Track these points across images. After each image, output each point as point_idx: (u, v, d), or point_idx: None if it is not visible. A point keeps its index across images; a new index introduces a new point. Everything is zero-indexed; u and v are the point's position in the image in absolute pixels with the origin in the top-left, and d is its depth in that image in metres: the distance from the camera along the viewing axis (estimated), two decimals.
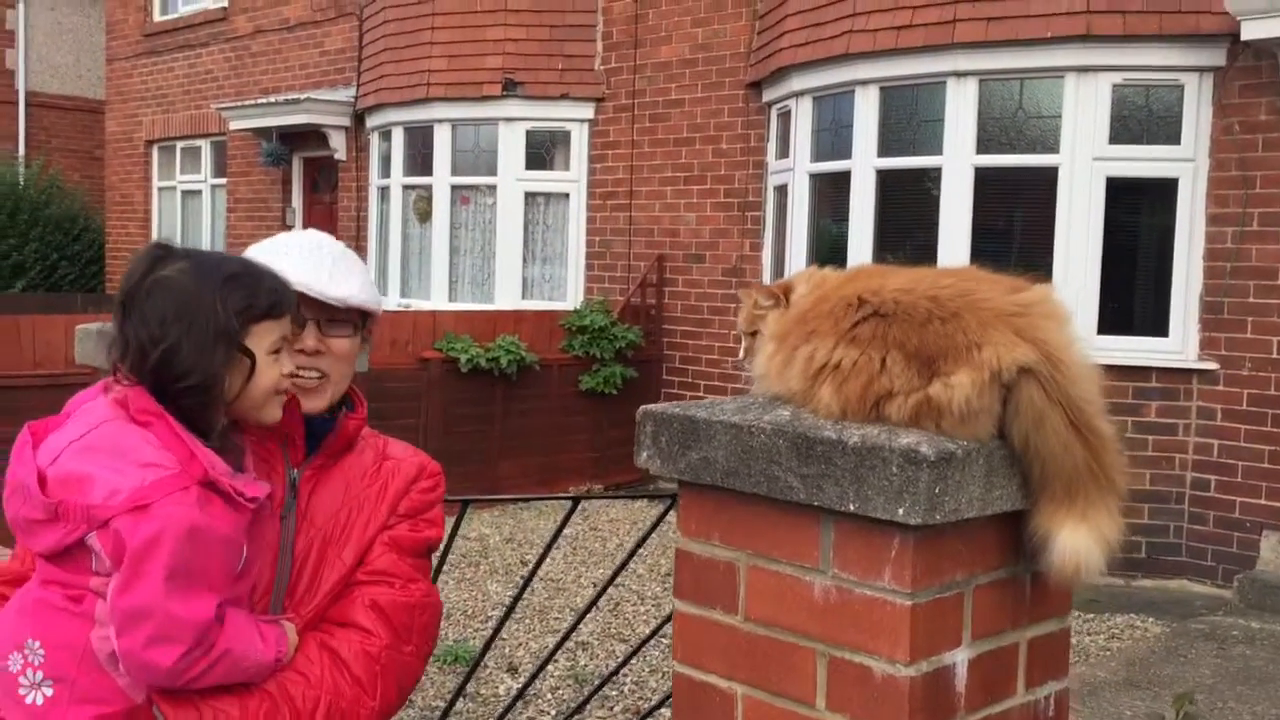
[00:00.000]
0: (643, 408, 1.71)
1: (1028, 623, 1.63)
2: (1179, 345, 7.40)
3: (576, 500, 3.15)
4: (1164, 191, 7.47)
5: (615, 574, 3.29)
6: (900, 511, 1.42)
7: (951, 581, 1.51)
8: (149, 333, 1.59)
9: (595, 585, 6.85)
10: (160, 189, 16.10)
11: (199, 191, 15.48)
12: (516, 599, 3.21)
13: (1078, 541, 1.48)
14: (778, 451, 1.53)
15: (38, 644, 1.60)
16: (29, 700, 1.60)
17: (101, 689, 1.60)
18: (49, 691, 1.60)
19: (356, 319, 1.91)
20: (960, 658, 1.53)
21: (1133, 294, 7.74)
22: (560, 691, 5.27)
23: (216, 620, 1.60)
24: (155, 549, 1.52)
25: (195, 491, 1.55)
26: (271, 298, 1.68)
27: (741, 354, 1.90)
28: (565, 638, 3.41)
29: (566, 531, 8.10)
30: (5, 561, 1.84)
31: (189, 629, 1.56)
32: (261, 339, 1.65)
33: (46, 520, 1.56)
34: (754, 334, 1.82)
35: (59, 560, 1.59)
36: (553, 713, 5.03)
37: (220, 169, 14.97)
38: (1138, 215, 7.73)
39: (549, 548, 3.13)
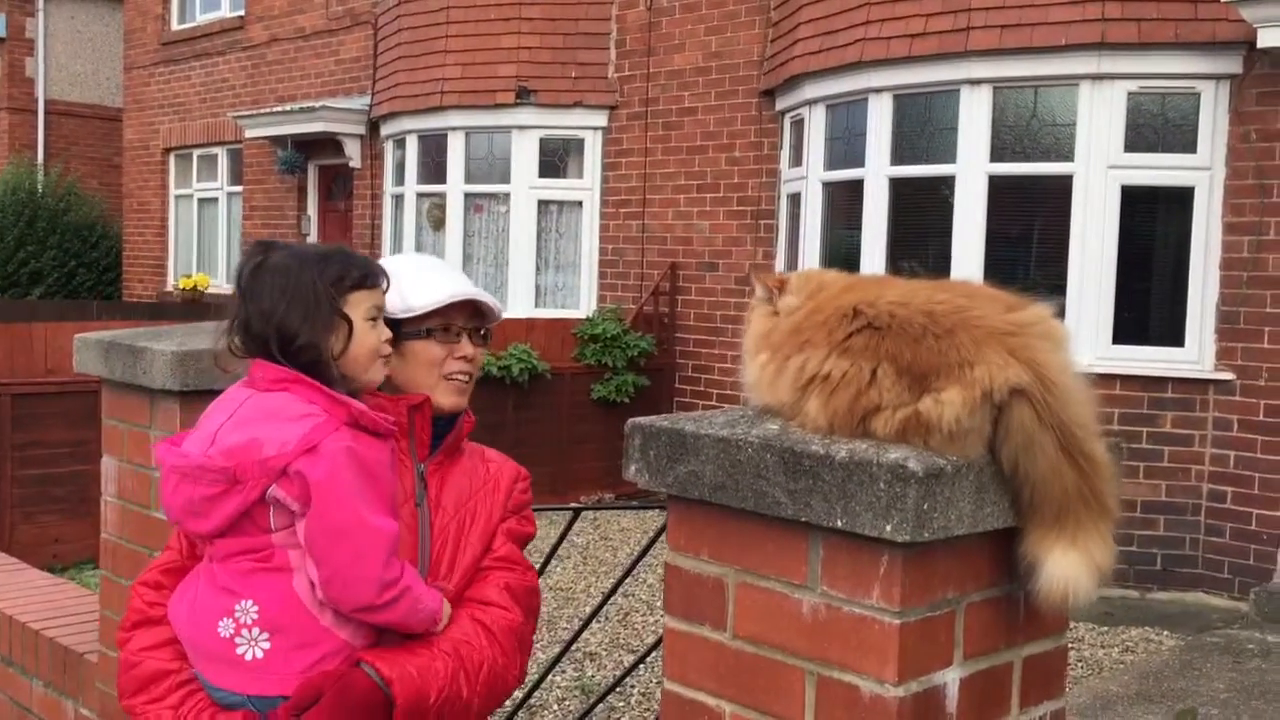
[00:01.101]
0: (631, 420, 1.69)
1: (1023, 641, 1.59)
2: (1195, 355, 7.34)
3: (577, 511, 3.14)
4: (1180, 200, 7.41)
5: (618, 584, 3.27)
6: (888, 528, 1.39)
7: (942, 599, 1.48)
8: (262, 309, 1.84)
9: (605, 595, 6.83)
10: (177, 196, 16.19)
11: (215, 199, 15.55)
12: None
13: (1067, 568, 1.44)
14: (765, 466, 1.50)
15: (250, 603, 1.79)
16: (249, 656, 1.79)
17: (314, 632, 1.80)
18: (266, 644, 1.79)
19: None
20: (951, 677, 1.50)
21: (1148, 303, 7.68)
22: (567, 703, 5.24)
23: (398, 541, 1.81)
24: (338, 476, 1.74)
25: (346, 430, 1.79)
26: (362, 270, 1.91)
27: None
28: (568, 646, 3.39)
29: (578, 541, 8.08)
30: (162, 555, 2.01)
31: (383, 539, 1.77)
32: (357, 306, 1.88)
33: (222, 492, 1.75)
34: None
35: (235, 531, 1.79)
36: None
37: (236, 177, 15.03)
38: (1153, 224, 7.67)
39: (549, 557, 3.11)
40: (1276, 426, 6.99)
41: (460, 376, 2.05)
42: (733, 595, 1.59)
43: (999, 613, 1.55)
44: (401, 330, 1.98)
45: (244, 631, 1.78)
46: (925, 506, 1.39)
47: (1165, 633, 6.50)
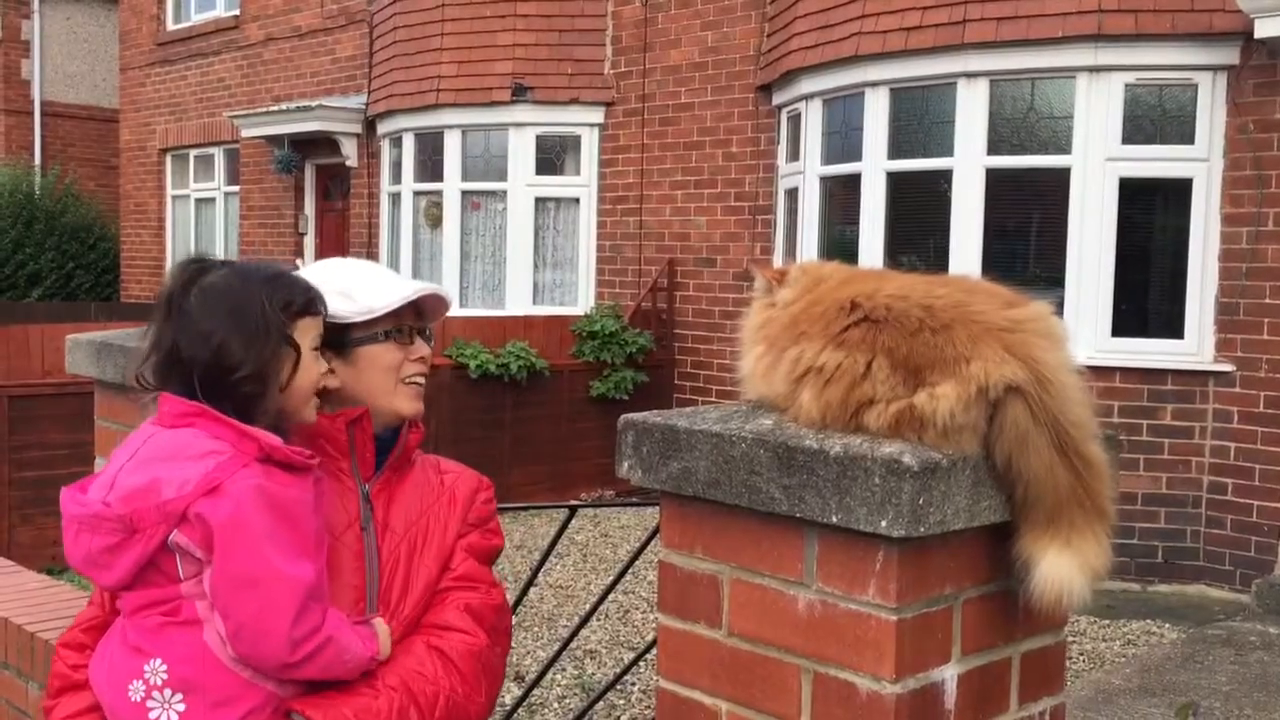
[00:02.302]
0: (624, 416, 1.67)
1: (1021, 637, 1.58)
2: (1194, 347, 7.31)
3: (574, 509, 3.12)
4: (1178, 192, 7.39)
5: (615, 581, 3.25)
6: (884, 523, 1.38)
7: (939, 595, 1.47)
8: (200, 332, 1.66)
9: None
10: (174, 197, 16.16)
11: (212, 199, 15.53)
12: (516, 603, 3.18)
13: (1060, 570, 1.43)
14: (759, 462, 1.48)
15: (158, 662, 1.63)
16: None
17: (232, 687, 1.63)
18: (181, 706, 1.63)
19: None
20: (949, 674, 1.48)
21: (1147, 296, 7.66)
22: (567, 700, 5.23)
23: (319, 588, 1.64)
24: (242, 519, 1.57)
25: (256, 466, 1.61)
26: (308, 295, 1.75)
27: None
28: (566, 644, 3.37)
29: (578, 539, 8.06)
30: (84, 611, 1.86)
31: (296, 588, 1.59)
32: (304, 335, 1.72)
33: (121, 540, 1.60)
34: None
35: (141, 583, 1.63)
36: None
37: (233, 177, 15.01)
38: (1151, 216, 7.65)
39: (546, 556, 3.09)
40: (1277, 418, 6.97)
41: (419, 379, 1.93)
42: (727, 592, 1.58)
43: (996, 608, 1.54)
44: (352, 336, 1.84)
45: (155, 694, 1.63)
46: (921, 501, 1.37)
47: (1167, 625, 6.49)
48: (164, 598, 1.64)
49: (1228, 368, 7.14)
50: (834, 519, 1.42)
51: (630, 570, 3.23)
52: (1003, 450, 1.44)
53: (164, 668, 1.63)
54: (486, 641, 1.86)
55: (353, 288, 1.84)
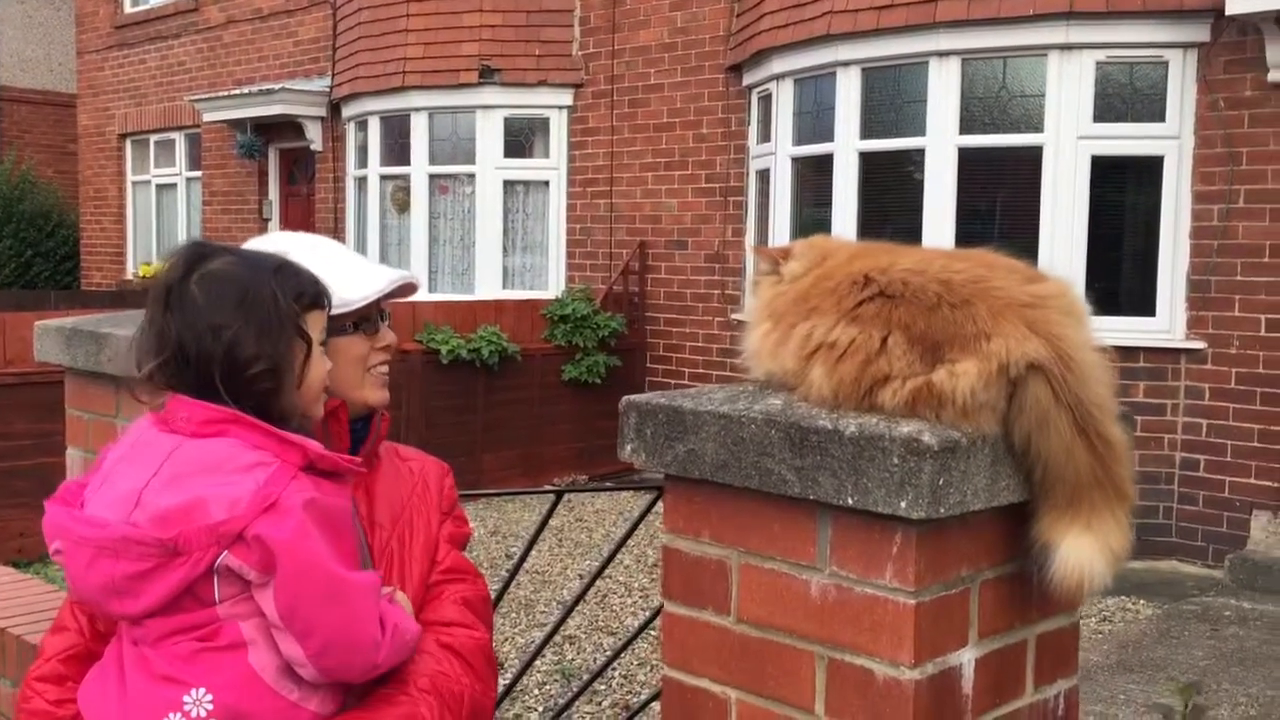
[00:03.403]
0: (626, 398, 1.62)
1: (1037, 619, 1.55)
2: (1166, 325, 7.35)
3: (560, 494, 3.06)
4: (1149, 169, 7.41)
5: (601, 569, 3.20)
6: (902, 505, 1.33)
7: (957, 578, 1.43)
8: (208, 324, 1.54)
9: (582, 577, 6.78)
10: (134, 183, 15.90)
11: (174, 185, 15.28)
12: (501, 593, 3.12)
13: (1081, 553, 1.39)
14: (770, 443, 1.44)
15: (201, 691, 1.50)
16: None
17: (282, 712, 1.54)
18: None
19: None
20: (967, 658, 1.45)
21: (1119, 273, 7.69)
22: (547, 687, 5.19)
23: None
24: (305, 534, 1.48)
25: (305, 478, 1.52)
26: (317, 288, 1.66)
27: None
28: (551, 634, 3.32)
29: (553, 524, 8.01)
30: (56, 639, 1.72)
31: (369, 593, 1.55)
32: (313, 327, 1.63)
33: (159, 565, 1.46)
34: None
35: (170, 610, 1.50)
36: (540, 709, 4.95)
37: (195, 162, 14.78)
38: (1123, 194, 7.67)
39: (532, 542, 3.04)
40: (1248, 394, 7.01)
41: (384, 368, 1.88)
42: (736, 578, 1.53)
43: (1012, 590, 1.51)
44: None
45: None
46: (940, 482, 1.33)
47: (1141, 601, 6.52)
48: (197, 622, 1.51)
49: (1199, 345, 7.18)
50: (849, 500, 1.38)
51: (612, 559, 3.19)
52: (1022, 430, 1.40)
53: (209, 697, 1.50)
54: (488, 635, 1.82)
55: (326, 280, 1.74)
